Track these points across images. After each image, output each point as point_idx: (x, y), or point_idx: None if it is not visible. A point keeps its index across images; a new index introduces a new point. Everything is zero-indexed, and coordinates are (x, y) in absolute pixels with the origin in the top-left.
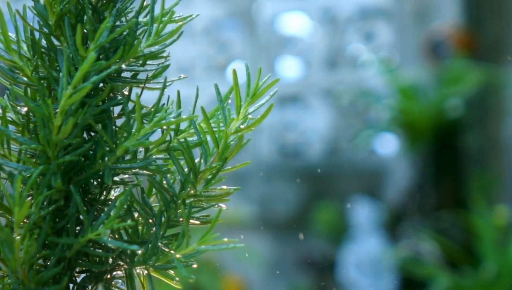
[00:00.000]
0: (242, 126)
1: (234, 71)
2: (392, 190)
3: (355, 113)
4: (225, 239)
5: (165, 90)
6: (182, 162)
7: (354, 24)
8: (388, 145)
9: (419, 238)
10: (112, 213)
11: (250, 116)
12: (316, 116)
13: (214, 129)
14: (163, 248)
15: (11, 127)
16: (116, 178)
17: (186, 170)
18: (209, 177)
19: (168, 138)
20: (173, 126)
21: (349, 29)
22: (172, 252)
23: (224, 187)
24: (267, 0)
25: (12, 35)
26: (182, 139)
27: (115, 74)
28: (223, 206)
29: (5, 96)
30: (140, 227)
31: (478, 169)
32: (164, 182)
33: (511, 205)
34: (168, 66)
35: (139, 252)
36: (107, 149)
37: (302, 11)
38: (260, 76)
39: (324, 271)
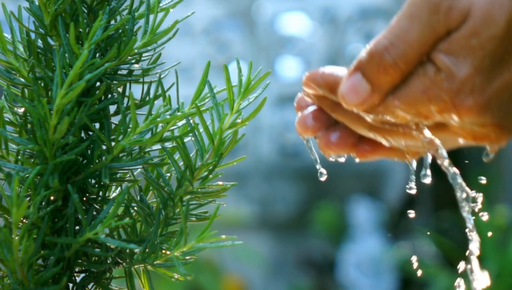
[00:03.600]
0: (236, 121)
1: (225, 66)
2: (392, 190)
3: None
4: (223, 236)
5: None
6: (176, 157)
7: (354, 24)
8: None
9: (419, 238)
10: (109, 212)
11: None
12: None
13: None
14: (161, 246)
15: (9, 128)
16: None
17: (181, 165)
18: (206, 173)
19: (160, 128)
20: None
21: (349, 29)
22: (170, 250)
23: (221, 183)
24: (267, 0)
25: (7, 36)
26: (176, 132)
27: (112, 73)
28: (221, 203)
29: (2, 97)
30: (138, 226)
31: (478, 169)
32: (161, 179)
33: (511, 205)
34: (157, 58)
35: (137, 250)
36: (104, 148)
37: (302, 11)
38: (251, 70)
39: (324, 271)
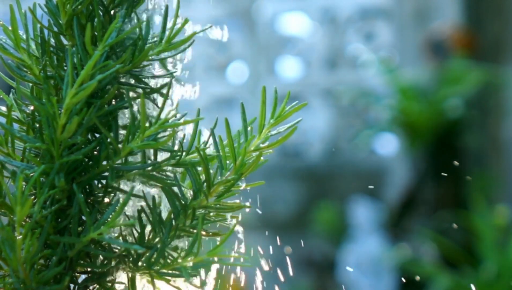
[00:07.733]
0: (261, 145)
1: (264, 89)
2: (392, 190)
3: (355, 113)
4: (234, 253)
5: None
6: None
7: (354, 24)
8: (388, 144)
9: (419, 238)
10: (114, 213)
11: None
12: (316, 116)
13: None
14: (169, 254)
15: (16, 126)
16: (124, 187)
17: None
18: (223, 190)
19: (174, 144)
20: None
21: (349, 29)
22: (180, 260)
23: (234, 201)
24: (267, 0)
25: (21, 33)
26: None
27: (124, 77)
28: (233, 221)
29: (11, 95)
30: (148, 233)
31: (478, 169)
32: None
33: (511, 205)
34: (174, 72)
35: (141, 252)
36: (112, 150)
37: (302, 11)
38: (287, 100)
39: (324, 271)
